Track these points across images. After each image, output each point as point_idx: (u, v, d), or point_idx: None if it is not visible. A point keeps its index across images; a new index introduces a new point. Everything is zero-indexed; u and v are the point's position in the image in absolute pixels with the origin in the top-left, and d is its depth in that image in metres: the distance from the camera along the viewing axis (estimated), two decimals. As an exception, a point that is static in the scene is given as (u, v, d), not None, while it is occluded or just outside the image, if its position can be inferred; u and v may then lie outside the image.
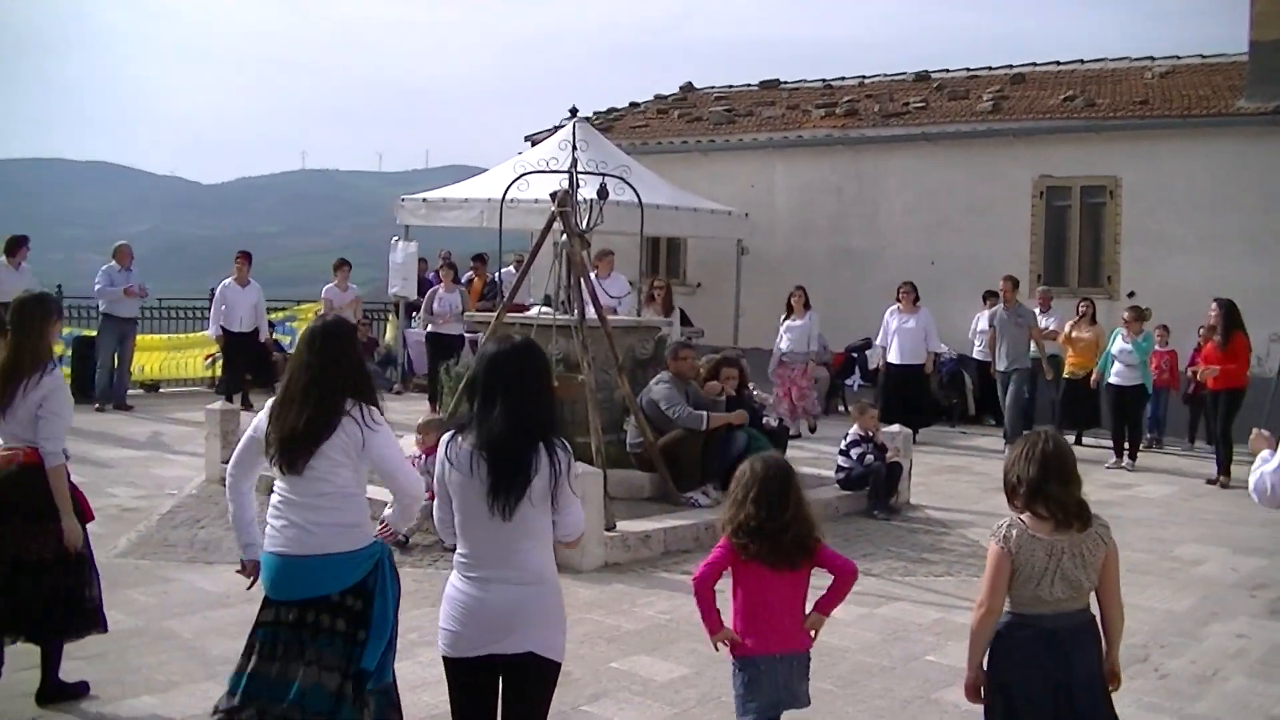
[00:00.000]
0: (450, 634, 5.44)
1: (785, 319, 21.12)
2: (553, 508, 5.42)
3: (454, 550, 5.55)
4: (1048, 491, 5.60)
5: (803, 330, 20.79)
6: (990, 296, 22.33)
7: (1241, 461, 15.55)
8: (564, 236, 13.50)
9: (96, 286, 21.22)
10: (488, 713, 5.52)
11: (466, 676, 5.47)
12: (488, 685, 5.48)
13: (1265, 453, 6.67)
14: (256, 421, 6.13)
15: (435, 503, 5.65)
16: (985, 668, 5.81)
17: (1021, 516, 5.63)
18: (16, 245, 20.52)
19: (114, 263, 21.16)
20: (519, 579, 5.38)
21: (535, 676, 5.44)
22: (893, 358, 20.88)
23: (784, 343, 20.93)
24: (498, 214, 15.86)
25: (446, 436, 5.50)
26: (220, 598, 10.11)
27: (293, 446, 5.94)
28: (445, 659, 5.51)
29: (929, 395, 21.89)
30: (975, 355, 22.63)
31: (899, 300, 21.05)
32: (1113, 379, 19.19)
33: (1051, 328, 21.28)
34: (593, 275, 17.30)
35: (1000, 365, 20.20)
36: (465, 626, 5.39)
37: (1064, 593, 5.57)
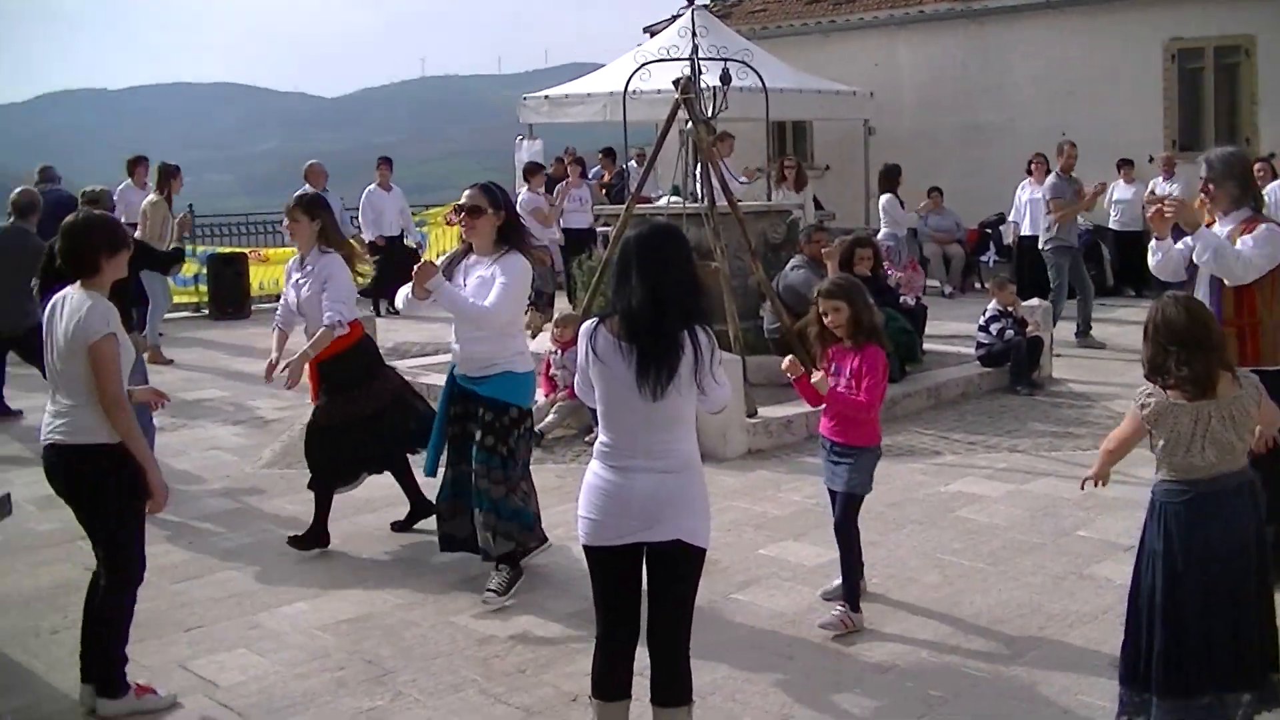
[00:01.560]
0: (593, 522, 5.41)
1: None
2: (699, 393, 5.35)
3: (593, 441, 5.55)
4: (1167, 367, 5.47)
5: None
6: (1124, 165, 21.96)
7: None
8: (689, 124, 13.36)
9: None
10: (634, 600, 5.50)
11: (611, 565, 5.44)
12: (632, 573, 5.46)
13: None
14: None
15: (576, 379, 5.66)
16: (1143, 532, 5.70)
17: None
18: (135, 165, 20.67)
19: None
20: (664, 466, 5.32)
21: (683, 564, 5.39)
22: (1026, 230, 20.51)
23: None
24: (620, 107, 15.72)
25: (589, 325, 5.43)
26: (365, 503, 10.18)
27: None
28: (587, 548, 5.47)
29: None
30: (1111, 226, 22.31)
31: (1030, 173, 20.67)
32: None
33: (1176, 193, 20.86)
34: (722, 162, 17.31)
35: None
36: (609, 515, 5.35)
37: (1215, 456, 5.47)
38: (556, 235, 20.80)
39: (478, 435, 8.09)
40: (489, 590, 7.98)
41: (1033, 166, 20.66)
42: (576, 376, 5.61)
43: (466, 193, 8.08)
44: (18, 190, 14.74)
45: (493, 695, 6.64)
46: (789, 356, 7.58)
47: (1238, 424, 5.48)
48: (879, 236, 19.71)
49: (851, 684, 6.69)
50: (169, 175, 17.97)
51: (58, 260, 6.83)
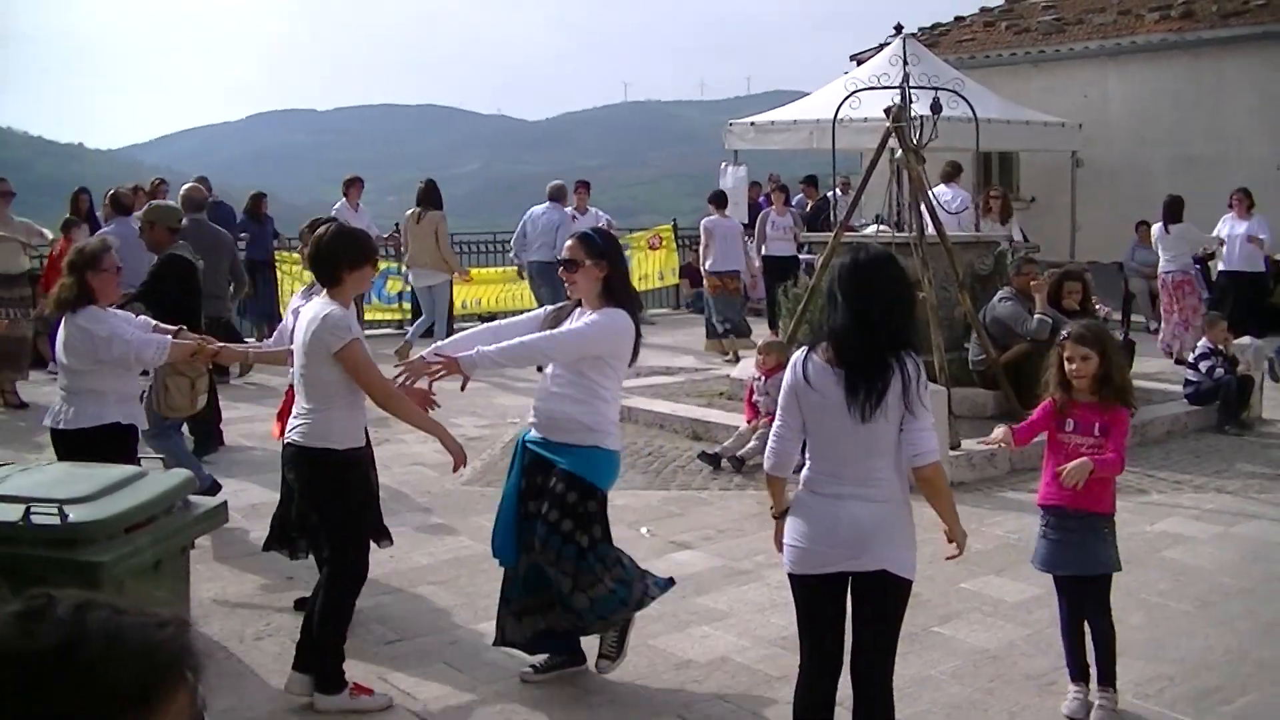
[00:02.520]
0: (800, 550, 5.44)
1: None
2: (905, 421, 5.33)
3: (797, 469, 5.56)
4: None
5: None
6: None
7: None
8: (899, 153, 13.33)
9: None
10: (838, 629, 5.51)
11: (817, 593, 5.46)
12: (837, 601, 5.47)
13: None
14: None
15: (777, 422, 5.62)
16: None
17: None
18: (350, 185, 21.24)
19: None
20: (873, 495, 5.34)
21: (890, 594, 5.41)
22: (1223, 265, 20.11)
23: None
24: (827, 134, 15.72)
25: (799, 353, 5.48)
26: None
27: None
28: (792, 575, 5.51)
29: (1268, 302, 21.02)
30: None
31: (1231, 207, 20.23)
32: None
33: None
34: (937, 189, 17.32)
35: None
36: (817, 543, 5.38)
37: None
38: (755, 262, 20.89)
39: (551, 515, 6.89)
40: (601, 658, 7.30)
41: (1234, 201, 20.20)
42: (780, 414, 5.61)
43: (567, 244, 7.28)
44: (187, 187, 15.77)
45: None
46: (1001, 429, 7.09)
47: None
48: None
49: (1054, 723, 6.63)
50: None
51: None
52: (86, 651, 1.86)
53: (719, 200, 20.79)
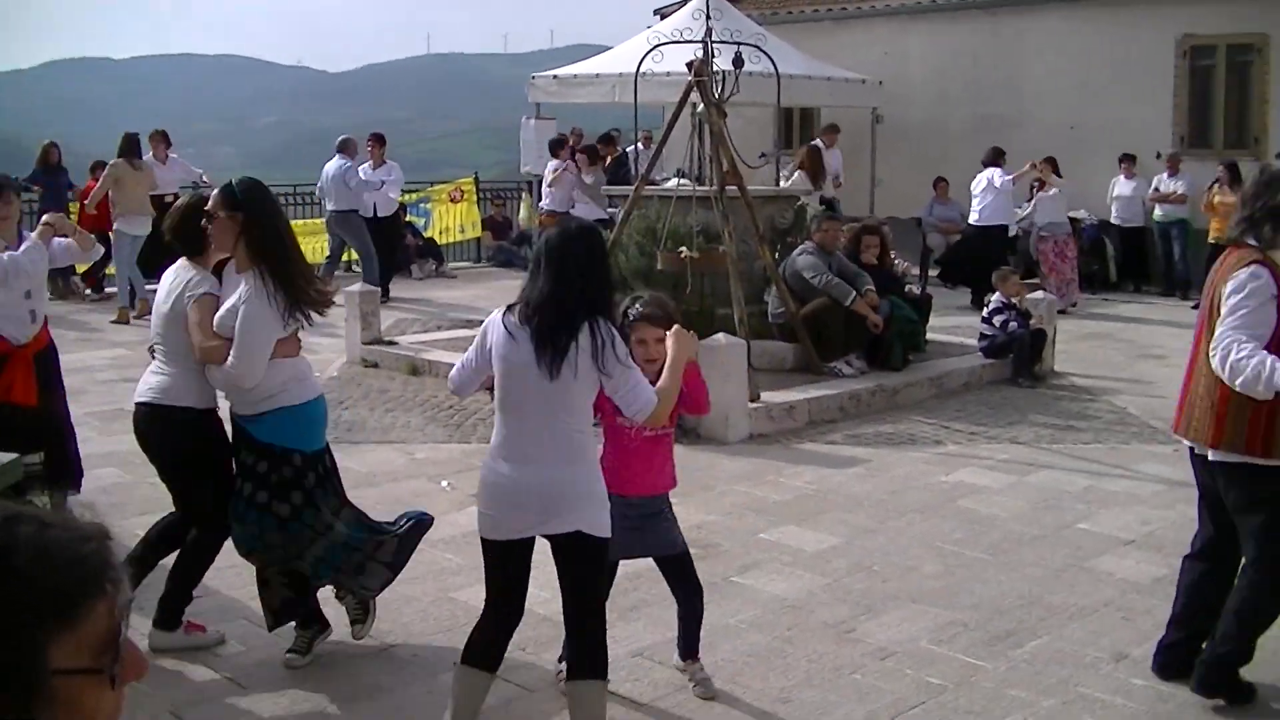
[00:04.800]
0: (490, 518, 5.50)
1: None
2: (606, 384, 5.36)
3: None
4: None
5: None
6: (1126, 160, 22.00)
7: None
8: (700, 107, 13.34)
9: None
10: (523, 586, 5.66)
11: (507, 556, 5.55)
12: (525, 561, 5.59)
13: None
14: None
15: (468, 354, 5.67)
16: None
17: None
18: (155, 139, 20.84)
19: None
20: (561, 458, 5.37)
21: (586, 554, 5.46)
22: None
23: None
24: (630, 88, 15.68)
25: (498, 312, 5.50)
26: (366, 477, 10.21)
27: None
28: (485, 540, 5.56)
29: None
30: (1114, 221, 22.39)
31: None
32: None
33: (1180, 191, 21.05)
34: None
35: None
36: (507, 511, 5.44)
37: None
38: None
39: (246, 490, 6.65)
40: (353, 624, 7.06)
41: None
42: (471, 348, 5.63)
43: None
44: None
45: (492, 671, 6.65)
46: None
47: None
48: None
49: (851, 670, 6.69)
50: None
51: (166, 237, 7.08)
52: (16, 561, 1.91)
53: (557, 146, 21.01)
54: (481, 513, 5.53)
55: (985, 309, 15.00)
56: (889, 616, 7.45)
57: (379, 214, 21.24)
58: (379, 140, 21.92)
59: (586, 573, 5.50)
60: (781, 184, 17.10)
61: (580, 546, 5.39)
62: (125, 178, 18.33)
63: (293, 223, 22.43)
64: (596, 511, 5.42)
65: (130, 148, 18.87)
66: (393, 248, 21.73)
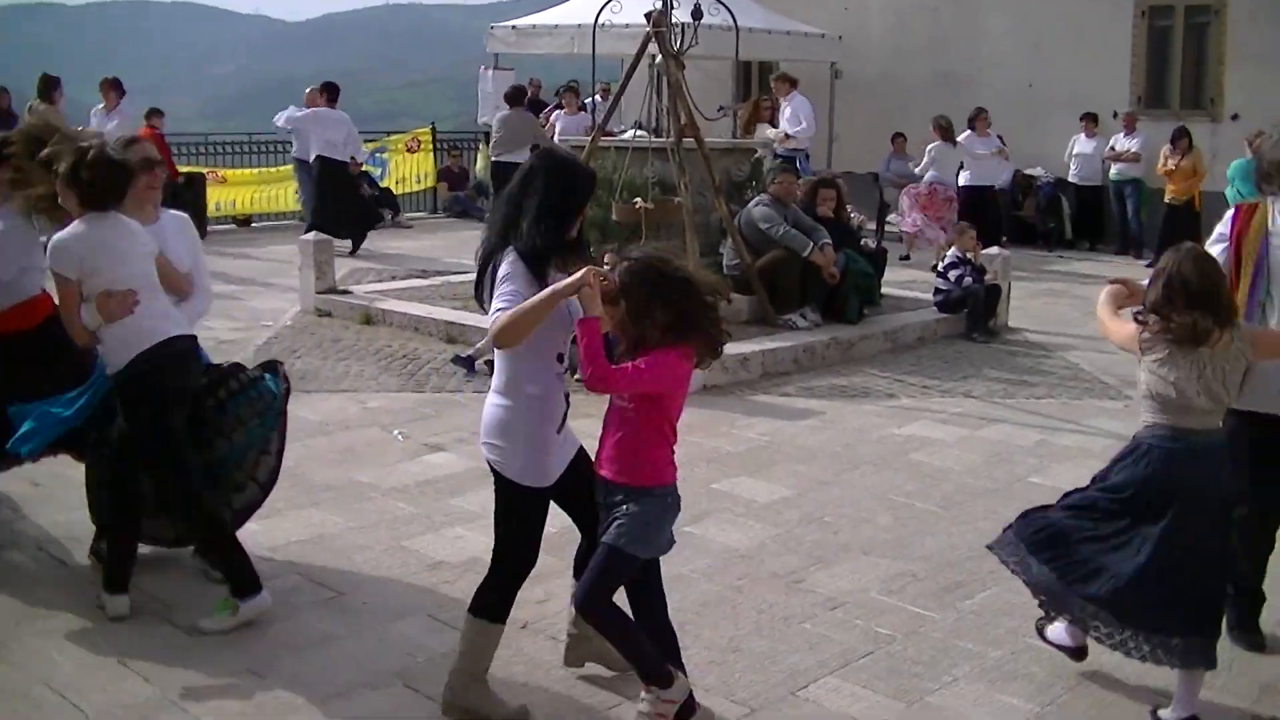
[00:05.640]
0: (549, 464, 5.64)
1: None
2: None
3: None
4: (1168, 312, 5.54)
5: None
6: (1087, 119, 22.05)
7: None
8: (658, 59, 13.29)
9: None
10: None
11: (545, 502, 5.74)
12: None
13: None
14: None
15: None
16: (1112, 466, 5.87)
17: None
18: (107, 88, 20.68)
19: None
20: (493, 388, 5.52)
21: (498, 485, 5.59)
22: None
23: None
24: (588, 39, 15.64)
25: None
26: (319, 426, 10.17)
27: None
28: (538, 490, 5.63)
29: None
30: (1071, 179, 22.46)
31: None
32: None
33: (1134, 150, 21.11)
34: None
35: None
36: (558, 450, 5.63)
37: (1209, 405, 5.59)
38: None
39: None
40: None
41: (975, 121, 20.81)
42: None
43: None
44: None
45: (442, 620, 6.64)
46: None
47: (1228, 377, 5.55)
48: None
49: (801, 619, 6.72)
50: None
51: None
52: None
53: (514, 96, 20.87)
54: (541, 460, 5.53)
55: (940, 263, 15.01)
56: (839, 567, 7.48)
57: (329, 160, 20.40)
58: (326, 89, 21.38)
59: (497, 504, 5.64)
60: (771, 133, 17.21)
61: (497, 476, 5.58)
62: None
63: (249, 171, 22.49)
64: (500, 445, 5.50)
65: (47, 89, 18.74)
66: (345, 200, 20.89)
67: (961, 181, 20.35)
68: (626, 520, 5.31)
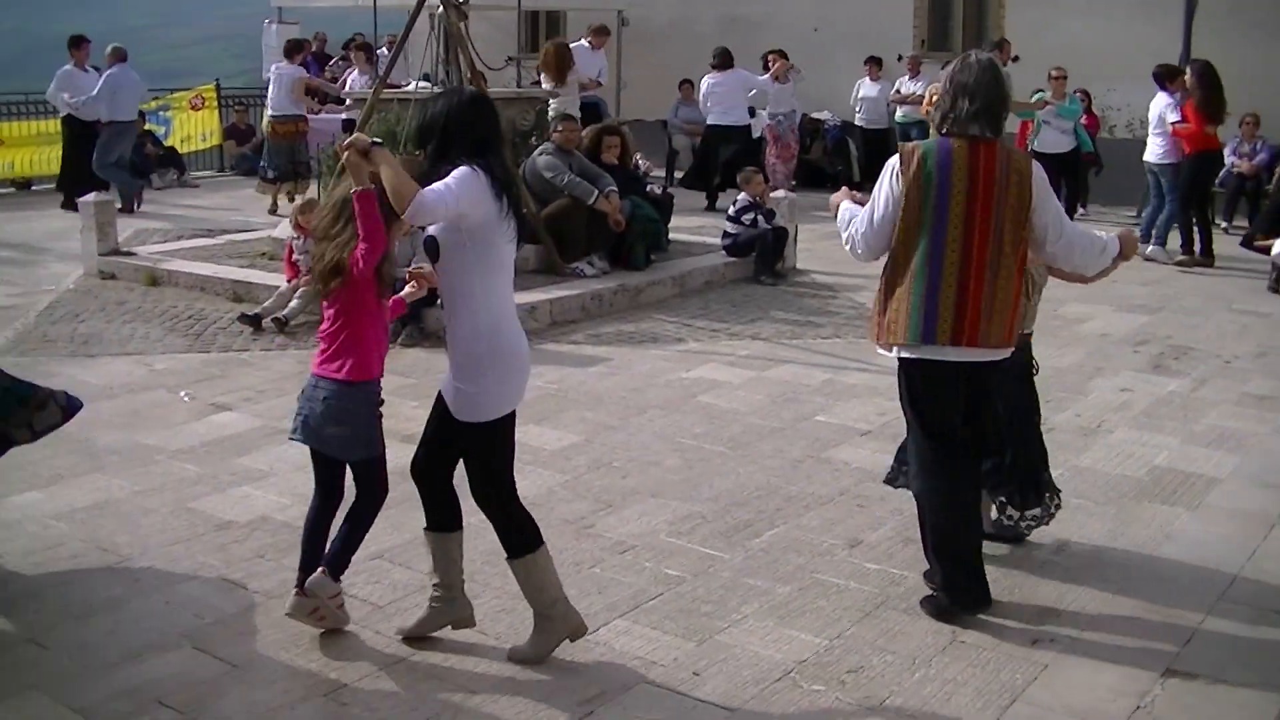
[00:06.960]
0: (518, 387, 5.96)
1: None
2: None
3: None
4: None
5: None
6: (871, 63, 22.30)
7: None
8: (440, 9, 13.17)
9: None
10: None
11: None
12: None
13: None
14: None
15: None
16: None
17: None
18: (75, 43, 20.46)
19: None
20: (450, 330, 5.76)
21: (462, 433, 5.75)
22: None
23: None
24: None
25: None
26: (104, 390, 9.93)
27: None
28: (507, 417, 5.82)
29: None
30: (858, 123, 22.69)
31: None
32: (1045, 149, 17.78)
33: (919, 92, 21.40)
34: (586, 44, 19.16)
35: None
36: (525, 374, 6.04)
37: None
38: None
39: None
40: None
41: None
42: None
43: None
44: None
45: (233, 580, 6.54)
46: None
47: None
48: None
49: (591, 564, 6.73)
50: None
51: None
52: None
53: (290, 50, 20.54)
54: (515, 386, 5.80)
55: (732, 208, 15.09)
56: (628, 511, 7.50)
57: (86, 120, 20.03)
58: (79, 42, 20.66)
59: (468, 456, 5.87)
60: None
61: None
62: None
63: (23, 127, 21.82)
64: (455, 386, 5.68)
65: None
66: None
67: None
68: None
